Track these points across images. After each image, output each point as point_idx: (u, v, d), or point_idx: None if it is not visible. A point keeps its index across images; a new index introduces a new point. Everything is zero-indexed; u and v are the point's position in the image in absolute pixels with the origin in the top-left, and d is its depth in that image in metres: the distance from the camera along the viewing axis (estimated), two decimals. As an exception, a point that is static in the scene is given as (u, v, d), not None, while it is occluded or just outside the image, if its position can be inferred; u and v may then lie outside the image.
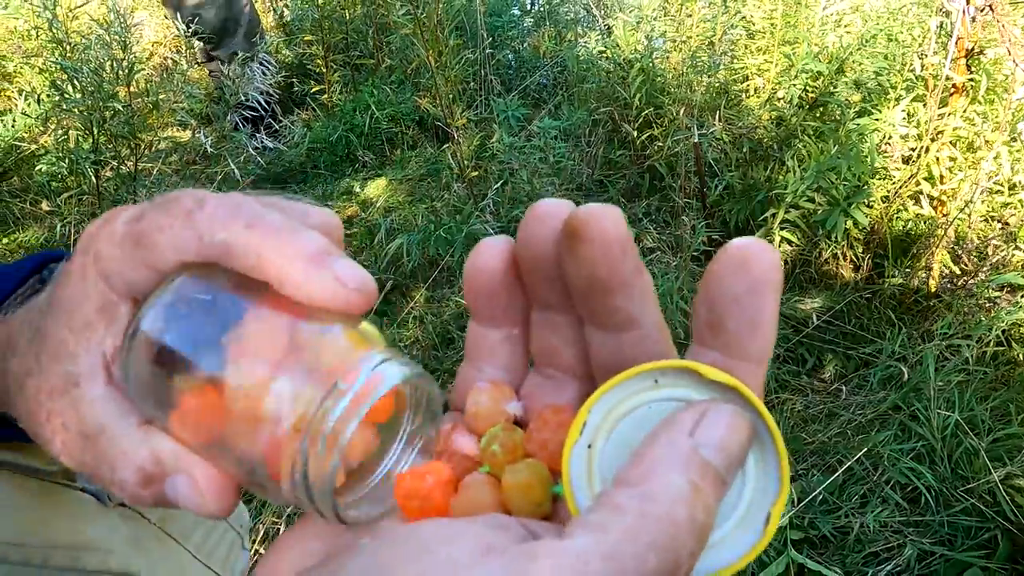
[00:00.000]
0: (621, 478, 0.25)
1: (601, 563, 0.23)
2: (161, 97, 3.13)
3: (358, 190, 3.31)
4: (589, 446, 0.29)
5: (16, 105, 3.92)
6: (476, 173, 3.05)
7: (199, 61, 3.64)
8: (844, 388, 2.12)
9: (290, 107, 3.94)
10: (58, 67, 2.84)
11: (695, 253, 2.08)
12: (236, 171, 3.23)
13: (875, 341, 2.20)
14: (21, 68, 3.97)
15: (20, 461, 0.42)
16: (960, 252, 2.27)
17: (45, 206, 3.56)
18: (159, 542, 0.56)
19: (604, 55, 3.20)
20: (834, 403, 2.09)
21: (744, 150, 2.55)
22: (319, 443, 0.27)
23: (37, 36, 3.72)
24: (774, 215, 2.31)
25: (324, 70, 3.91)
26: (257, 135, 3.63)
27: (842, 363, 2.21)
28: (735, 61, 2.83)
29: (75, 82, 2.73)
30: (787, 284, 2.42)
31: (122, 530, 0.50)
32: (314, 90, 3.90)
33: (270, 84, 3.33)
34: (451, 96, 3.33)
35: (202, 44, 3.46)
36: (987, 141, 2.18)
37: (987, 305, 2.19)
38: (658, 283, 2.10)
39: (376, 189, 3.31)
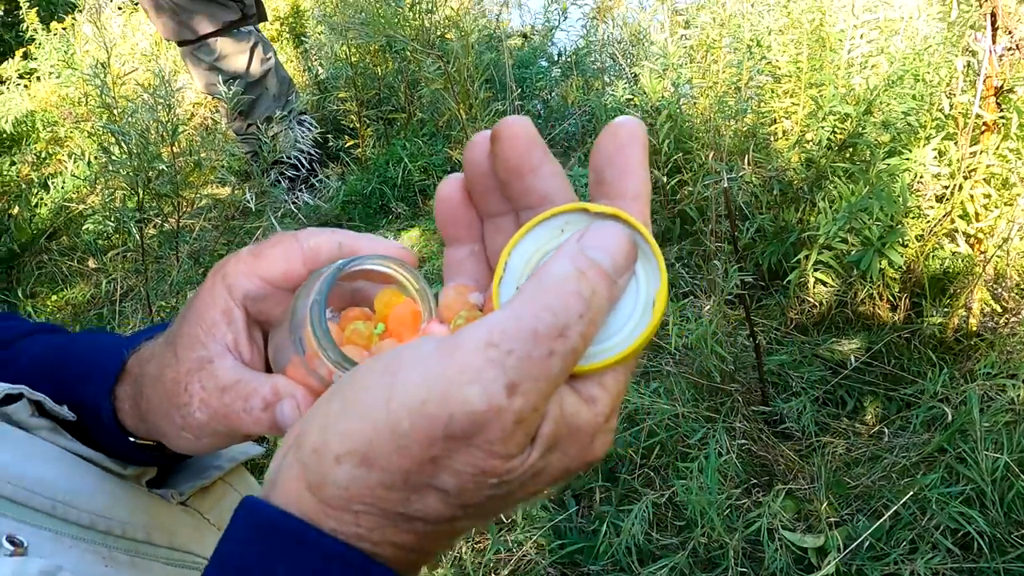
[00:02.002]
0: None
1: (507, 322, 0.31)
2: (202, 155, 3.24)
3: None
4: (518, 288, 0.35)
5: (66, 167, 4.08)
6: (508, 222, 3.09)
7: (230, 121, 3.76)
8: (887, 430, 2.08)
9: (325, 162, 4.05)
10: (106, 131, 2.96)
11: (728, 296, 2.08)
12: (277, 225, 3.30)
13: (916, 382, 2.16)
14: (71, 132, 4.14)
15: (103, 462, 0.52)
16: (1000, 290, 2.24)
17: (92, 263, 3.67)
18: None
19: (632, 103, 3.25)
20: (877, 446, 2.05)
21: (774, 192, 2.55)
22: (314, 311, 0.39)
23: (87, 102, 3.88)
24: (807, 257, 2.30)
25: (358, 125, 4.01)
26: (294, 190, 3.73)
27: (883, 405, 2.17)
28: (762, 105, 2.86)
29: (122, 144, 2.84)
30: (823, 326, 2.40)
31: (186, 522, 0.57)
32: (348, 144, 4.00)
33: (310, 143, 3.43)
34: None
35: (233, 112, 3.58)
36: (1022, 177, 2.16)
37: (1031, 343, 2.15)
38: (691, 327, 2.10)
39: (410, 239, 3.37)
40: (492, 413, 0.30)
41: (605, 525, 1.89)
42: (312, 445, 0.33)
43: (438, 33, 3.70)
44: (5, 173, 3.96)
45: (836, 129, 2.46)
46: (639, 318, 0.34)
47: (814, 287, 2.36)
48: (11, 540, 0.40)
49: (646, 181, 0.36)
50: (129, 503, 0.52)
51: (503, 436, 0.31)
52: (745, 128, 2.84)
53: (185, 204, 3.21)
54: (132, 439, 0.51)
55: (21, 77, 4.18)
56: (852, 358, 2.24)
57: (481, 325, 0.31)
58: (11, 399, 0.48)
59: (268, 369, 0.46)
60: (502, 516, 1.99)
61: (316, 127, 3.59)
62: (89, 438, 0.52)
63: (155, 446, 0.51)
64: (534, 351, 0.30)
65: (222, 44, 3.58)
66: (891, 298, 2.34)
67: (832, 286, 2.36)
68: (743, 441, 2.05)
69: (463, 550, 1.93)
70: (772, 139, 2.80)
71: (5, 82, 4.14)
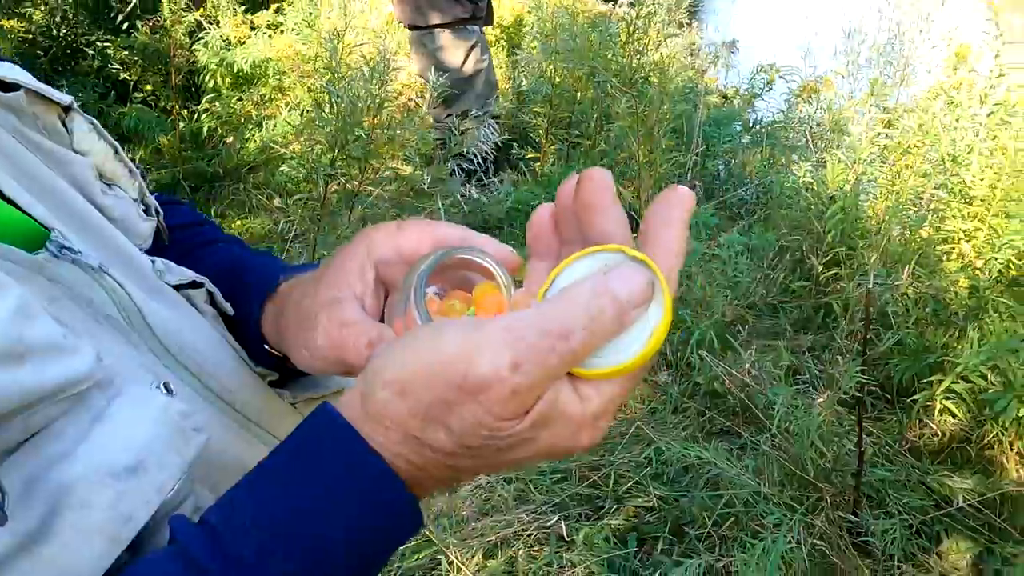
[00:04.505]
0: None
1: (527, 317, 0.40)
2: (398, 132, 3.53)
3: (542, 255, 3.51)
4: None
5: (281, 113, 4.53)
6: (654, 266, 3.15)
7: (431, 108, 4.05)
8: (976, 581, 1.99)
9: (503, 166, 4.26)
10: (324, 90, 3.30)
11: (845, 396, 2.06)
12: (442, 211, 3.54)
13: (1024, 543, 2.04)
14: (293, 84, 4.59)
15: (242, 353, 0.66)
16: None
17: (276, 202, 4.06)
18: None
19: (810, 187, 3.23)
20: (960, 593, 1.96)
21: (927, 310, 2.48)
22: (419, 280, 0.48)
23: (315, 61, 4.31)
24: (940, 381, 2.23)
25: (543, 140, 4.21)
26: (467, 185, 3.96)
27: (983, 555, 2.06)
28: (944, 221, 2.77)
29: (334, 104, 3.15)
30: (940, 456, 2.31)
31: (290, 420, 0.69)
32: (529, 156, 4.20)
33: (492, 145, 3.65)
34: (652, 191, 3.48)
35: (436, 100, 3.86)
36: None
37: None
38: (799, 416, 2.09)
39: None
40: (495, 380, 0.39)
41: (658, 573, 1.93)
42: (373, 368, 0.43)
43: (642, 75, 3.83)
44: (232, 106, 4.45)
45: (1010, 264, 2.36)
46: (639, 347, 0.42)
47: (940, 415, 2.28)
48: (166, 387, 0.53)
49: (682, 240, 0.44)
50: (253, 389, 0.66)
51: (500, 400, 0.39)
52: (918, 239, 2.77)
53: (370, 171, 3.50)
54: (266, 346, 0.64)
55: (269, 27, 4.68)
56: (960, 497, 2.15)
57: (509, 315, 0.41)
58: (195, 285, 0.65)
59: (383, 321, 0.56)
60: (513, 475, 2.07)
61: (499, 132, 3.80)
62: (236, 335, 0.67)
63: (280, 357, 0.64)
64: (540, 343, 0.39)
65: (445, 37, 3.88)
66: (1022, 450, 2.21)
67: (960, 419, 2.27)
68: (819, 542, 2.02)
69: (519, 551, 2.03)
70: (945, 258, 2.71)
71: (256, 29, 4.65)
